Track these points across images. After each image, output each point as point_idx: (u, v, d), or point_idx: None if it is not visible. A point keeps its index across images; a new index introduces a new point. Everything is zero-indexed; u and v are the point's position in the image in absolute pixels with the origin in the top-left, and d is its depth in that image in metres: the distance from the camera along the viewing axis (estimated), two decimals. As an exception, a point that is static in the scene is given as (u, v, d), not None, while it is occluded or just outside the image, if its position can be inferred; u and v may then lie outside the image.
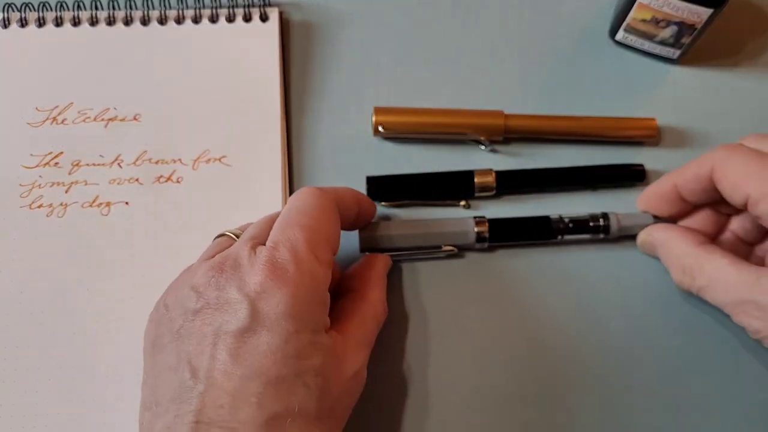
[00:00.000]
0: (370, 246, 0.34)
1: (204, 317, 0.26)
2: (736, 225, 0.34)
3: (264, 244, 0.27)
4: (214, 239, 0.31)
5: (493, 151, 0.38)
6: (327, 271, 0.27)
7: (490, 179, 0.36)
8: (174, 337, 0.26)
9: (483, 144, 0.38)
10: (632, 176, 0.37)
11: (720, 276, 0.30)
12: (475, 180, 0.36)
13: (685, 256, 0.32)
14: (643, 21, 0.38)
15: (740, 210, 0.33)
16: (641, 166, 0.37)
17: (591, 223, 0.35)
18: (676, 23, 0.37)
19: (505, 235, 0.35)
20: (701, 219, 0.34)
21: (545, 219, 0.35)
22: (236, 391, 0.24)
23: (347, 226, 0.32)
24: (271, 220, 0.29)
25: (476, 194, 0.36)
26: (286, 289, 0.25)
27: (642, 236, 0.35)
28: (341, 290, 0.32)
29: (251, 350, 0.25)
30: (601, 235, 0.35)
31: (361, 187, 0.36)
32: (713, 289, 0.31)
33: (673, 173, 0.33)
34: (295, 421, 0.24)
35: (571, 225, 0.35)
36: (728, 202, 0.31)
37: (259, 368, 0.24)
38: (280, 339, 0.25)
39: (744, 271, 0.29)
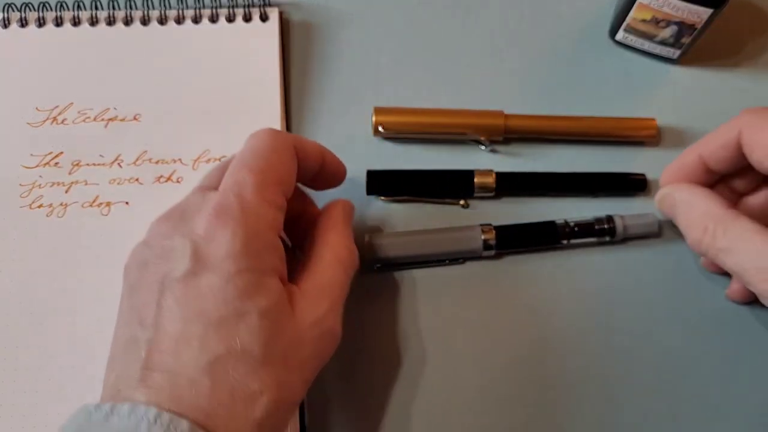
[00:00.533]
0: (376, 254, 0.34)
1: (152, 267, 0.26)
2: (750, 204, 0.34)
3: (216, 190, 0.27)
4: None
5: (493, 151, 0.38)
6: (276, 213, 0.27)
7: (490, 180, 0.36)
8: (128, 293, 0.26)
9: (483, 144, 0.38)
10: (633, 185, 0.37)
11: (746, 239, 0.29)
12: (475, 180, 0.36)
13: (709, 215, 0.31)
14: (643, 21, 0.38)
15: (755, 188, 0.33)
16: (642, 175, 0.37)
17: (596, 227, 0.35)
18: (676, 23, 0.37)
19: (512, 241, 0.35)
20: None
21: (551, 224, 0.35)
22: (179, 335, 0.24)
23: (308, 177, 0.31)
24: (225, 166, 0.29)
25: (475, 194, 0.36)
26: (229, 230, 0.25)
27: (663, 192, 0.34)
28: (305, 243, 0.31)
29: (194, 293, 0.24)
30: (607, 238, 0.35)
31: (362, 186, 0.36)
32: (735, 253, 0.29)
33: (697, 145, 0.33)
34: (239, 362, 0.24)
35: (576, 229, 0.35)
36: (756, 167, 0.31)
37: (201, 310, 0.24)
38: (221, 279, 0.24)
39: None
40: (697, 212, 0.31)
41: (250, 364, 0.24)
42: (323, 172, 0.32)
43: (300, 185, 0.32)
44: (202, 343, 0.24)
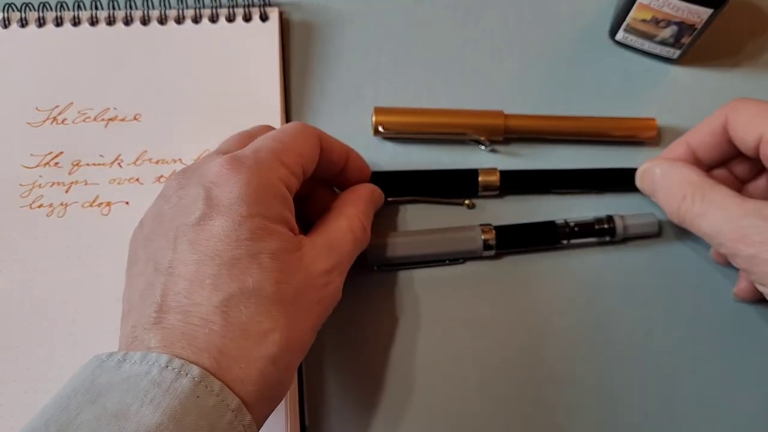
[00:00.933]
0: (378, 256, 0.34)
1: (168, 217, 0.26)
2: (751, 190, 0.35)
3: None
4: None
5: (493, 151, 0.38)
6: (288, 174, 0.28)
7: (494, 178, 0.36)
8: (143, 244, 0.27)
9: (483, 144, 0.38)
10: None
11: (722, 202, 0.30)
12: (480, 179, 0.36)
13: (688, 183, 0.32)
14: (643, 21, 0.38)
15: (756, 175, 0.34)
16: None
17: (596, 227, 0.35)
18: (676, 23, 0.37)
19: (512, 241, 0.35)
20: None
21: (551, 224, 0.35)
22: (193, 276, 0.24)
23: (332, 172, 0.33)
24: (244, 135, 0.31)
25: (480, 193, 0.36)
26: (241, 176, 0.26)
27: (643, 168, 0.35)
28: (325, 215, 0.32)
29: (207, 236, 0.25)
30: (607, 238, 0.35)
31: (361, 187, 0.36)
32: (712, 216, 0.30)
33: (685, 135, 0.34)
34: (251, 300, 0.24)
35: (576, 229, 0.35)
36: (742, 151, 0.32)
37: (214, 251, 0.25)
38: (233, 222, 0.25)
39: (747, 201, 0.29)
40: (676, 181, 0.32)
41: (261, 302, 0.25)
42: (347, 170, 0.33)
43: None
44: (215, 282, 0.24)
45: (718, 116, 0.32)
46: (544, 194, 0.37)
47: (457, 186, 0.37)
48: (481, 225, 0.35)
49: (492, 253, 0.35)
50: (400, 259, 0.34)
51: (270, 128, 0.32)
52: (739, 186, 0.35)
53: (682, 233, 0.36)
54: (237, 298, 0.24)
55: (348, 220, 0.31)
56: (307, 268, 0.27)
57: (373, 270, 0.35)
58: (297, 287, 0.26)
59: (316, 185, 0.34)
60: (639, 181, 0.35)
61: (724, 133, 0.32)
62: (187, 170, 0.28)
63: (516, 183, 0.37)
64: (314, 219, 0.31)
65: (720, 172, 0.35)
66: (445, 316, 0.34)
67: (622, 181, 0.37)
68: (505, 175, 0.36)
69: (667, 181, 0.33)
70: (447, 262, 0.35)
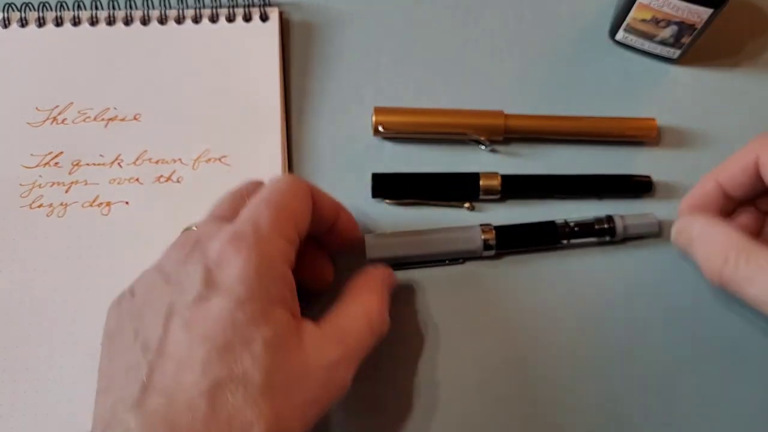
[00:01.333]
0: (377, 254, 0.34)
1: (163, 292, 0.26)
2: None
3: (229, 222, 0.27)
4: (181, 233, 0.30)
5: (493, 151, 0.38)
6: (288, 247, 0.27)
7: (496, 183, 0.36)
8: (132, 315, 0.26)
9: (483, 144, 0.38)
10: (639, 187, 0.37)
11: None
12: (481, 183, 0.36)
13: (730, 245, 0.30)
14: (643, 21, 0.38)
15: None
16: (648, 177, 0.37)
17: (596, 226, 0.35)
18: (676, 23, 0.37)
19: (512, 241, 0.35)
20: (743, 219, 0.34)
21: (551, 224, 0.35)
22: (183, 358, 0.24)
23: (321, 228, 0.31)
24: (234, 196, 0.30)
25: (481, 197, 0.36)
26: (242, 256, 0.25)
27: (679, 227, 0.33)
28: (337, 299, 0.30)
29: (203, 317, 0.24)
30: (607, 238, 0.35)
31: (363, 186, 0.36)
32: (760, 281, 0.29)
33: (713, 172, 0.33)
34: (239, 387, 0.23)
35: (576, 229, 0.35)
36: None
37: (207, 334, 0.24)
38: (230, 304, 0.24)
39: None
40: (717, 243, 0.31)
41: (249, 391, 0.24)
42: (337, 228, 0.32)
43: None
44: (204, 367, 0.23)
45: (749, 153, 0.31)
46: (546, 199, 0.37)
47: (458, 189, 0.37)
48: (481, 225, 0.35)
49: (492, 253, 0.35)
50: (399, 258, 0.34)
51: (260, 184, 0.31)
52: (763, 218, 0.34)
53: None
54: (225, 384, 0.23)
55: (364, 308, 0.29)
56: (306, 359, 0.25)
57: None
58: (290, 379, 0.25)
59: (306, 244, 0.31)
60: (675, 239, 0.34)
61: (756, 172, 0.31)
62: (185, 243, 0.27)
63: (517, 187, 0.37)
64: (303, 282, 0.30)
65: (746, 207, 0.34)
66: (445, 316, 0.34)
67: (623, 187, 0.37)
68: (507, 179, 0.36)
69: (705, 241, 0.31)
70: (447, 262, 0.35)
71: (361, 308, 0.29)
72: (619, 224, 0.35)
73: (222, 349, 0.24)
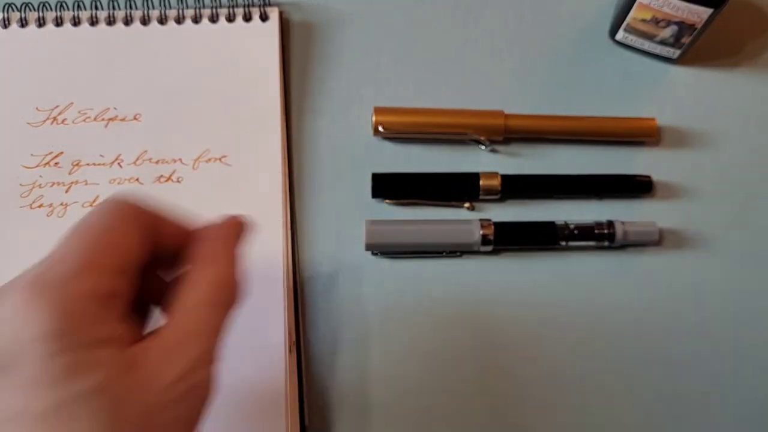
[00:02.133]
0: (375, 242, 0.34)
1: None
2: None
3: None
4: None
5: (493, 151, 0.38)
6: (101, 280, 0.23)
7: (496, 182, 0.36)
8: None
9: (483, 144, 0.38)
10: (639, 187, 0.37)
11: None
12: (481, 182, 0.36)
13: None
14: (643, 21, 0.38)
15: None
16: (648, 177, 0.37)
17: (596, 231, 0.35)
18: (676, 23, 0.37)
19: (510, 238, 0.35)
20: None
21: (550, 224, 0.35)
22: None
23: (165, 253, 0.26)
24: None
25: (481, 197, 0.36)
26: (39, 307, 0.21)
27: None
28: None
29: (6, 392, 0.20)
30: (606, 243, 0.35)
31: (364, 186, 0.36)
32: None
33: None
34: None
35: (576, 231, 0.35)
36: None
37: (19, 409, 0.20)
38: (32, 369, 0.20)
39: None
40: None
41: None
42: (190, 255, 0.26)
43: None
44: None
45: None
46: (546, 199, 0.37)
47: (458, 189, 0.37)
48: (480, 219, 0.35)
49: (490, 248, 0.35)
50: (397, 246, 0.35)
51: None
52: None
53: (683, 244, 0.36)
54: None
55: (201, 291, 0.24)
56: (151, 387, 0.22)
57: (372, 255, 0.35)
58: (139, 417, 0.21)
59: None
60: None
61: None
62: None
63: (517, 187, 0.37)
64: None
65: None
66: (440, 309, 0.34)
67: (623, 187, 0.37)
68: (507, 179, 0.36)
69: None
70: (444, 254, 0.35)
71: (199, 295, 0.24)
72: (619, 230, 0.35)
73: (42, 419, 0.20)
